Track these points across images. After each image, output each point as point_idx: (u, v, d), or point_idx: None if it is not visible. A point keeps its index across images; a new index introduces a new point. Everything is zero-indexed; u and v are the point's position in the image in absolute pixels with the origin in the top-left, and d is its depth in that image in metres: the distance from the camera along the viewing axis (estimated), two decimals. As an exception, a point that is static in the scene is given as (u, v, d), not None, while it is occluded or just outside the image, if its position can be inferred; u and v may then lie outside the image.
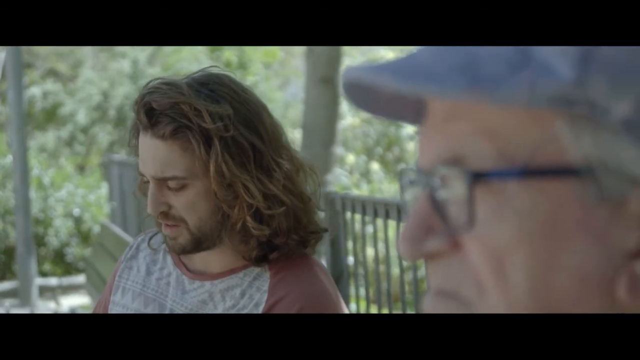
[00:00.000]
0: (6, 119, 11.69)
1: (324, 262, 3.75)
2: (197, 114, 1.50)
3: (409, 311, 3.52)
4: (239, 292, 1.60)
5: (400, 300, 3.46)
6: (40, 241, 9.69)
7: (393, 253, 3.61)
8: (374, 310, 4.15)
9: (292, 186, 1.57)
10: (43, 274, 9.38)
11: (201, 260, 1.64)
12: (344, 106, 9.06)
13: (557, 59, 0.53)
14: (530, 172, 0.54)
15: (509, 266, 0.54)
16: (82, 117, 13.39)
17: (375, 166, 11.55)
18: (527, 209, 0.54)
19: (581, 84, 0.52)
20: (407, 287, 3.76)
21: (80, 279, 8.66)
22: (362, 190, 10.44)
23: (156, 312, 1.66)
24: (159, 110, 1.51)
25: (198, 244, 1.57)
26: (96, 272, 6.69)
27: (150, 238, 1.74)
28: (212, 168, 1.50)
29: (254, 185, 1.52)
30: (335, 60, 7.18)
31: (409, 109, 0.64)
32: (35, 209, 9.49)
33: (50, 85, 13.94)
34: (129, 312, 1.70)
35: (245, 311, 1.58)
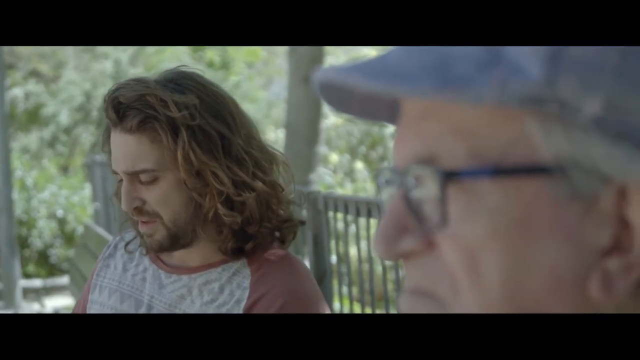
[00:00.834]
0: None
1: (307, 261, 3.76)
2: (163, 104, 1.52)
3: (392, 309, 3.53)
4: (217, 286, 1.61)
5: (383, 298, 3.47)
6: (23, 242, 9.66)
7: (376, 252, 3.61)
8: (357, 308, 4.16)
9: (262, 175, 1.58)
10: (27, 276, 9.35)
11: (179, 255, 1.66)
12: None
13: (527, 59, 0.53)
14: (501, 171, 0.54)
15: (482, 264, 0.55)
16: (64, 118, 13.34)
17: (359, 165, 11.57)
18: (499, 207, 0.54)
19: (551, 83, 0.52)
20: (390, 286, 3.77)
21: (64, 280, 8.63)
22: (346, 189, 10.45)
23: (132, 307, 1.68)
24: (125, 104, 1.54)
25: (175, 240, 1.58)
26: (80, 273, 6.65)
27: (127, 243, 1.75)
28: (179, 156, 1.52)
29: (223, 172, 1.54)
30: (318, 60, 7.18)
31: (383, 109, 0.64)
32: (19, 210, 9.46)
33: (33, 86, 13.86)
34: (105, 309, 1.71)
35: (226, 307, 1.59)
